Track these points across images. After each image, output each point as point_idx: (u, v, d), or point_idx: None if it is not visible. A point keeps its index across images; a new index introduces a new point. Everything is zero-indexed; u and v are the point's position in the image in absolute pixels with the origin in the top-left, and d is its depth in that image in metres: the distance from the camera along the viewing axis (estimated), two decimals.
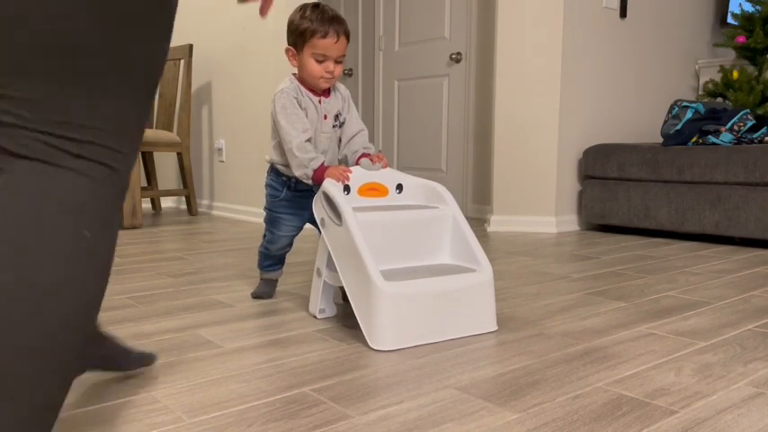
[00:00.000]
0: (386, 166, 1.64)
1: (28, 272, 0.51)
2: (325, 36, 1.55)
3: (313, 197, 1.61)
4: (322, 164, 1.57)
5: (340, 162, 1.72)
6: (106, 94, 0.63)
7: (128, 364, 1.22)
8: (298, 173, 1.58)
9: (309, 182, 1.58)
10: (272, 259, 1.80)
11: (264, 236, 1.78)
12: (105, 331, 1.21)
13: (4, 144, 0.58)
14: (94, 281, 0.58)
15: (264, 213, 1.76)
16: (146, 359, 1.25)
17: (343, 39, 1.58)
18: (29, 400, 0.49)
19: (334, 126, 1.67)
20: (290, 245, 1.79)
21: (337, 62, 1.59)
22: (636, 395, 1.12)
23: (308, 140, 1.57)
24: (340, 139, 1.71)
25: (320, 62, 1.57)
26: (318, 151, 1.62)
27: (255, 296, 1.82)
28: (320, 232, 1.56)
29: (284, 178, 1.69)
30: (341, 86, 1.70)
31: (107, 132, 0.62)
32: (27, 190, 0.55)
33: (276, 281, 1.85)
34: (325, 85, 1.62)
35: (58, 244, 0.54)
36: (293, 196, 1.70)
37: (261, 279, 1.84)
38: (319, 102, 1.63)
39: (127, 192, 0.68)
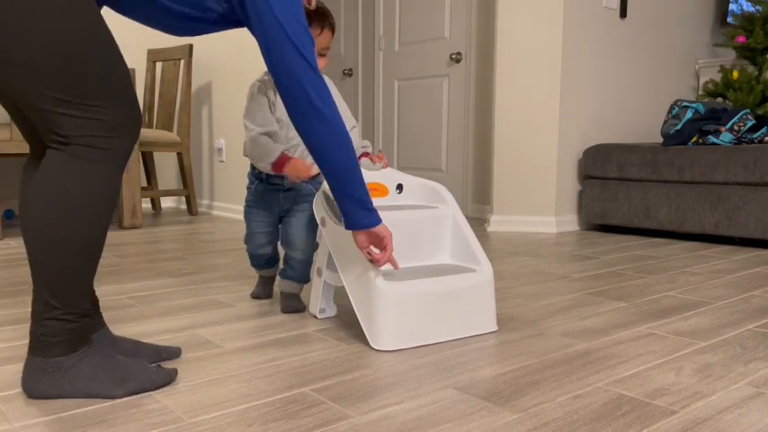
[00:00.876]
0: (386, 166, 1.64)
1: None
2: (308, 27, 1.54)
3: (281, 194, 1.66)
4: (282, 154, 1.57)
5: None
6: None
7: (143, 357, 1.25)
8: (260, 165, 1.60)
9: (272, 172, 1.59)
10: (256, 259, 1.79)
11: None
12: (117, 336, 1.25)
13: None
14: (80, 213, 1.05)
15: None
16: (164, 353, 1.28)
17: (327, 31, 1.58)
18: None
19: None
20: (269, 245, 1.75)
21: (321, 55, 1.58)
22: (636, 395, 1.12)
23: (266, 133, 1.58)
24: None
25: None
26: (292, 142, 1.62)
27: (255, 296, 1.82)
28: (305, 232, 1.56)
29: (257, 171, 1.71)
30: (324, 78, 1.69)
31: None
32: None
33: (273, 279, 1.85)
34: None
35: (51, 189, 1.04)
36: (264, 189, 1.70)
37: (259, 277, 1.84)
38: None
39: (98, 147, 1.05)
